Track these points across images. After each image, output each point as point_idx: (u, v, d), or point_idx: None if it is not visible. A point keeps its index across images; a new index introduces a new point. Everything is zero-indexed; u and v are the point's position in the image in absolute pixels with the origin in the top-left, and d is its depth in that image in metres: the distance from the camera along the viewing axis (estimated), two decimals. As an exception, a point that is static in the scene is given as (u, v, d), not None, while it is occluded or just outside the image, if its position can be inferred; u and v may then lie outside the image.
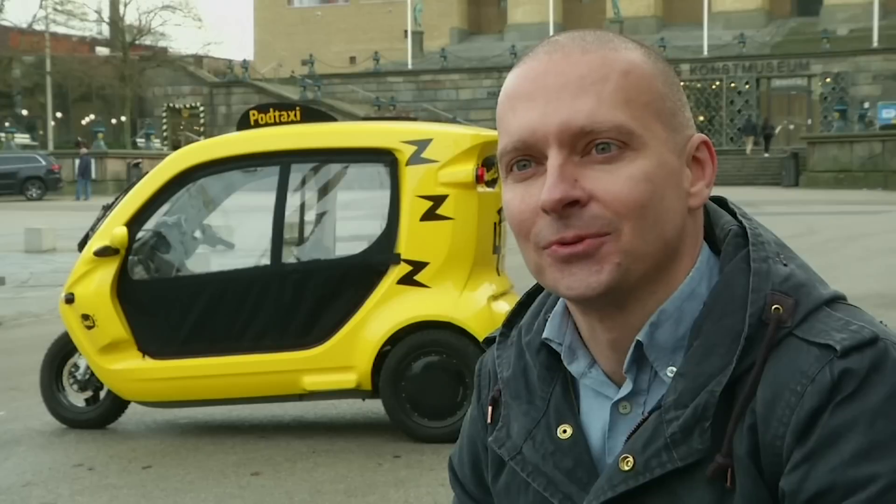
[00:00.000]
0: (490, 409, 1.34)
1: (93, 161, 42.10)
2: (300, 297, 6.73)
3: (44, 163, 41.07)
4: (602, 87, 1.15)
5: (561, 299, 1.27)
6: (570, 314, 1.26)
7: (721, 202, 1.30)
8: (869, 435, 1.07)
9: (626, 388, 1.21)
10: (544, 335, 1.27)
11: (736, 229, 1.24)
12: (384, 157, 6.76)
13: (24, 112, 57.23)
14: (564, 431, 1.24)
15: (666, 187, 1.16)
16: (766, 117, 47.86)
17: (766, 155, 44.89)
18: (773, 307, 1.15)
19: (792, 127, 49.17)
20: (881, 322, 1.17)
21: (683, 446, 1.14)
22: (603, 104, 1.14)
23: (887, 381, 1.08)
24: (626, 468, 1.17)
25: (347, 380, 6.64)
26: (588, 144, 1.14)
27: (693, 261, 1.21)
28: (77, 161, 41.62)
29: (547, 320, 1.28)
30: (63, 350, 7.25)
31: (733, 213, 1.28)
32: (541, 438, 1.25)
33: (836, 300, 1.18)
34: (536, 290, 1.35)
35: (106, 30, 61.71)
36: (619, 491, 1.17)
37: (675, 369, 1.18)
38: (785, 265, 1.19)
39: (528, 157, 1.17)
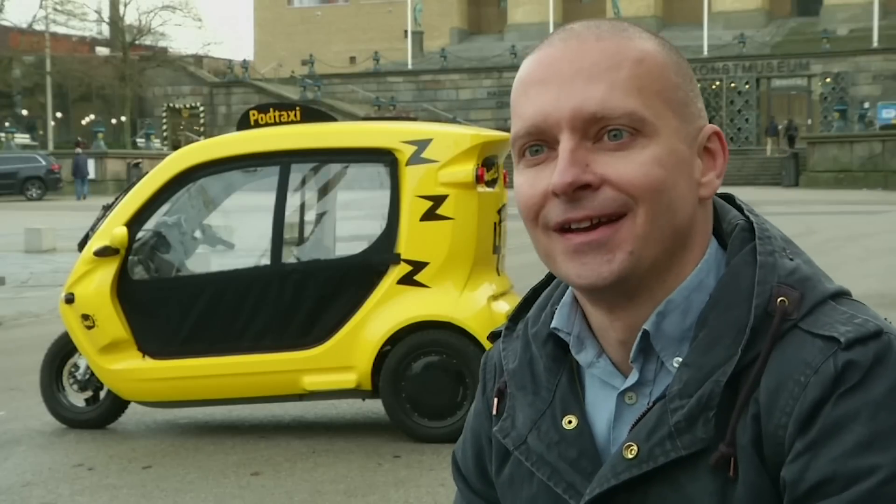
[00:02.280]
0: (496, 400, 1.34)
1: (89, 161, 42.12)
2: (300, 297, 6.73)
3: (44, 163, 41.06)
4: (615, 74, 1.15)
5: (569, 290, 1.27)
6: (579, 304, 1.26)
7: (728, 198, 1.30)
8: (871, 426, 1.07)
9: (633, 377, 1.22)
10: (553, 324, 1.27)
11: (743, 224, 1.24)
12: (384, 157, 6.76)
13: (24, 112, 57.26)
14: (570, 422, 1.25)
15: (677, 175, 1.17)
16: (790, 118, 47.78)
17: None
18: (779, 299, 1.16)
19: (792, 127, 49.20)
20: (886, 319, 1.18)
21: (687, 435, 1.15)
22: (615, 91, 1.15)
23: (890, 374, 1.09)
24: (630, 456, 1.17)
25: (347, 380, 6.64)
26: (600, 131, 1.15)
27: (702, 252, 1.22)
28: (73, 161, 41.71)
29: (554, 312, 1.29)
30: (63, 350, 7.25)
31: (740, 209, 1.28)
32: (546, 428, 1.26)
33: (841, 295, 1.19)
34: (542, 285, 1.36)
35: (106, 30, 61.74)
36: (622, 479, 1.17)
37: (681, 359, 1.18)
38: (791, 259, 1.20)
39: (540, 142, 1.18)
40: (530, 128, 1.17)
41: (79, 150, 42.39)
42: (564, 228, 1.16)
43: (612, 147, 1.15)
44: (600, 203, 1.14)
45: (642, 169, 1.14)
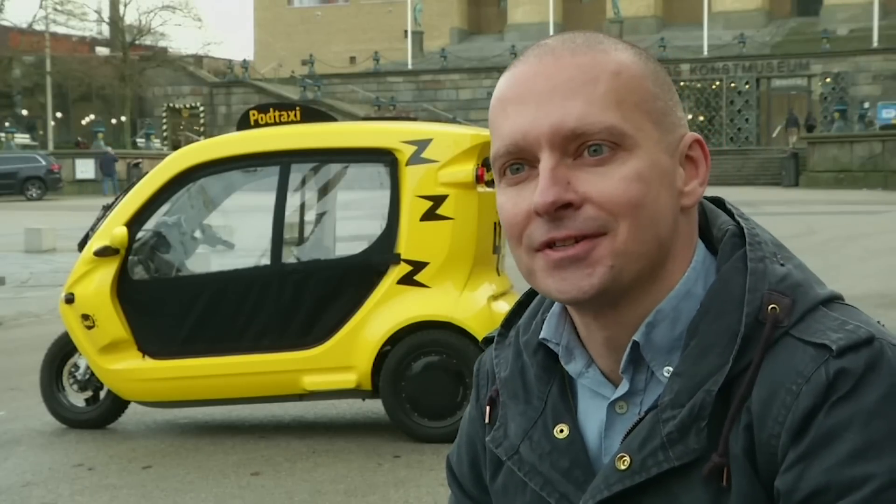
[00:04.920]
0: (488, 409, 1.34)
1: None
2: (300, 297, 6.73)
3: (44, 163, 41.08)
4: (592, 88, 1.15)
5: None
6: (568, 314, 1.26)
7: (718, 202, 1.30)
8: (864, 435, 1.07)
9: (623, 387, 1.21)
10: (542, 335, 1.27)
11: (733, 229, 1.24)
12: (384, 157, 6.76)
13: (24, 112, 57.23)
14: (561, 431, 1.24)
15: (659, 187, 1.16)
16: (809, 111, 47.67)
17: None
18: (770, 307, 1.15)
19: (792, 127, 49.18)
20: (878, 322, 1.17)
21: (680, 445, 1.14)
22: (593, 106, 1.14)
23: (883, 381, 1.08)
24: (623, 467, 1.17)
25: (347, 380, 6.64)
26: (580, 146, 1.14)
27: (688, 260, 1.21)
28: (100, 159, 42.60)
29: (544, 320, 1.28)
30: (63, 350, 7.25)
31: (731, 214, 1.28)
32: (538, 438, 1.25)
33: (833, 300, 1.18)
34: (535, 291, 1.35)
35: (106, 30, 61.76)
36: (615, 490, 1.17)
37: (671, 369, 1.18)
38: (782, 265, 1.20)
39: (520, 161, 1.17)
40: (510, 146, 1.17)
41: (109, 149, 43.23)
42: (547, 246, 1.16)
43: (593, 163, 1.14)
44: (582, 222, 1.14)
45: (623, 185, 1.13)
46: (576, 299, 1.16)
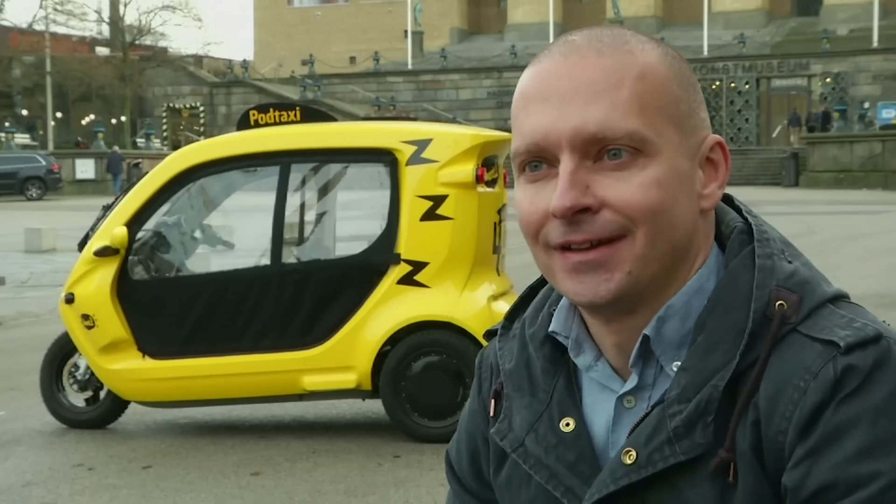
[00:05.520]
0: (492, 402, 1.34)
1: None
2: (300, 297, 6.73)
3: (44, 163, 41.09)
4: (616, 92, 1.14)
5: None
6: (577, 308, 1.26)
7: (727, 199, 1.30)
8: (872, 432, 1.07)
9: (632, 382, 1.21)
10: (550, 328, 1.27)
11: (741, 226, 1.24)
12: (384, 157, 6.76)
13: (24, 112, 57.25)
14: (567, 424, 1.24)
15: (678, 193, 1.16)
16: (810, 111, 47.69)
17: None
18: (778, 303, 1.15)
19: (792, 127, 49.15)
20: (884, 322, 1.17)
21: (686, 440, 1.14)
22: (616, 111, 1.14)
23: (890, 379, 1.09)
24: (629, 462, 1.17)
25: (347, 380, 6.64)
26: (601, 150, 1.14)
27: (703, 260, 1.22)
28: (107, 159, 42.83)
29: (552, 313, 1.29)
30: (63, 350, 7.25)
31: (738, 210, 1.28)
32: (543, 431, 1.25)
33: (840, 298, 1.19)
34: (539, 284, 1.36)
35: (106, 30, 61.79)
36: (621, 484, 1.17)
37: (679, 364, 1.18)
38: (789, 262, 1.20)
39: (540, 159, 1.17)
40: (530, 145, 1.17)
41: (115, 148, 43.49)
42: (564, 247, 1.16)
43: (612, 167, 1.14)
44: (600, 226, 1.14)
45: (641, 191, 1.13)
46: (592, 303, 1.17)
